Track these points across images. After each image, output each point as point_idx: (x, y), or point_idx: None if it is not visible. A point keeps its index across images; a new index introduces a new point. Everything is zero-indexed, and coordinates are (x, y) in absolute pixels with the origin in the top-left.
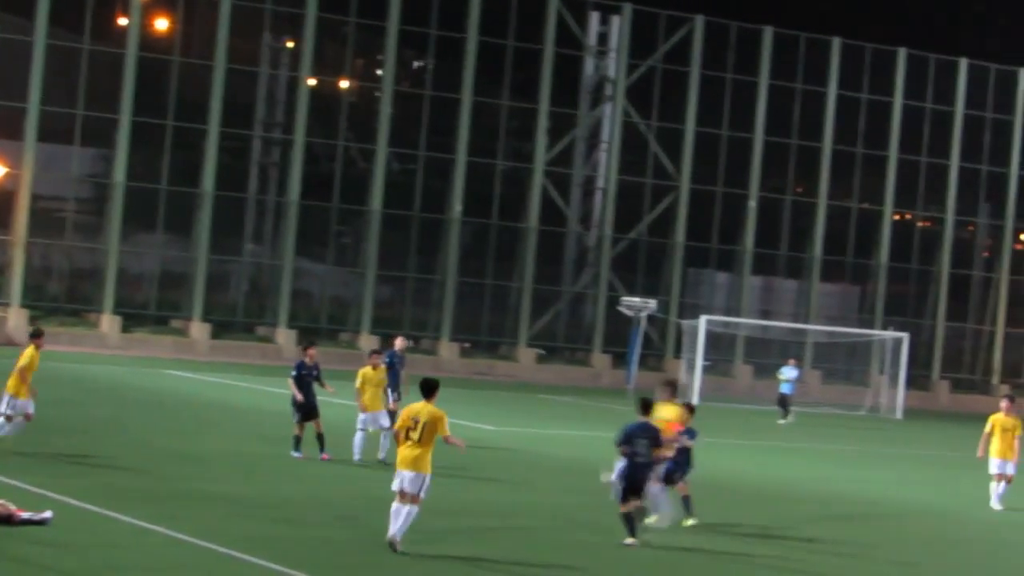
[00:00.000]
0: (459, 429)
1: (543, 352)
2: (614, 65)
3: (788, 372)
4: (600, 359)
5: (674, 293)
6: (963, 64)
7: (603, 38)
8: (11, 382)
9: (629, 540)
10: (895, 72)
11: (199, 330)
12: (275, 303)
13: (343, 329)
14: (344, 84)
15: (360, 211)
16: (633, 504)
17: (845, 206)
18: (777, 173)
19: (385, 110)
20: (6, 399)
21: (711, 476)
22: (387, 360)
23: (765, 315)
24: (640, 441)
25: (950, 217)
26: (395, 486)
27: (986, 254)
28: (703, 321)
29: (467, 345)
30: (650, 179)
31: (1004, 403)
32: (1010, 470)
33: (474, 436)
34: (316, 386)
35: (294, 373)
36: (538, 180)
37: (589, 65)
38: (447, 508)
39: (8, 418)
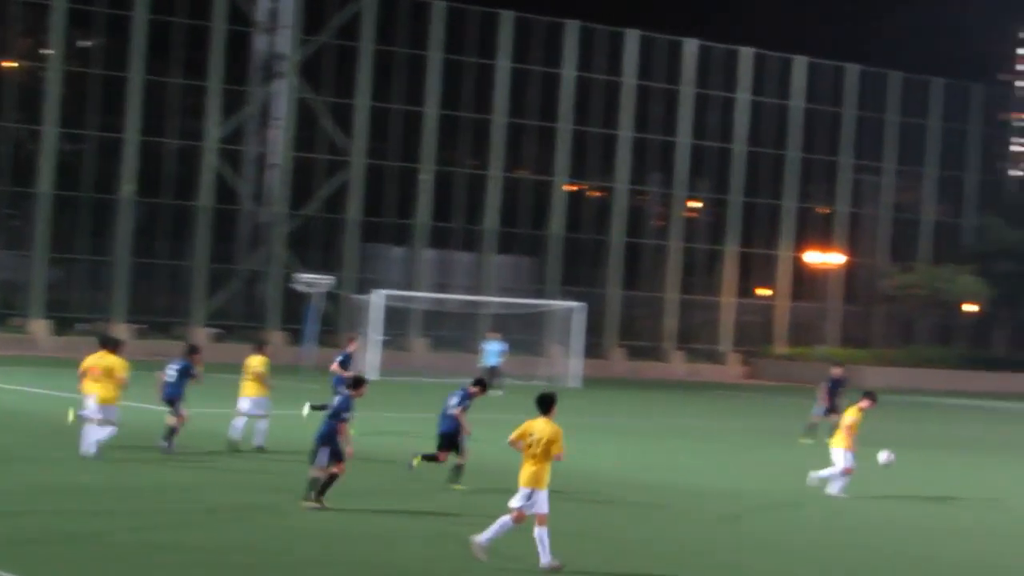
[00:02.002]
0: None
1: (220, 331)
2: (285, 41)
3: (492, 346)
4: (277, 336)
5: (350, 269)
6: (632, 35)
7: (274, 14)
8: None
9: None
10: (565, 44)
11: None
12: None
13: (14, 314)
14: (10, 64)
15: (29, 193)
16: (320, 470)
17: (518, 178)
18: (450, 146)
19: (53, 90)
20: None
21: (387, 451)
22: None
23: (441, 288)
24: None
25: (621, 187)
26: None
27: (657, 223)
28: (379, 296)
29: (144, 327)
30: (324, 155)
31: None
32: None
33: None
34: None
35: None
36: (210, 158)
37: (260, 42)
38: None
39: None
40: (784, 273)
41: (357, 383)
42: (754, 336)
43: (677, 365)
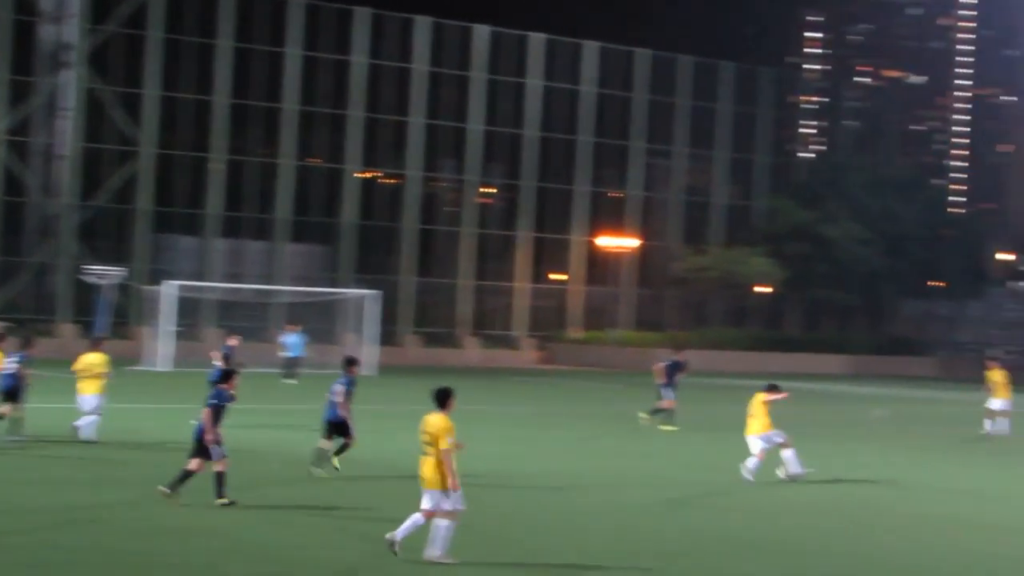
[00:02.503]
0: None
1: (10, 324)
2: (72, 31)
3: (291, 339)
4: (67, 329)
5: (141, 259)
6: (423, 21)
7: (60, 4)
8: None
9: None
10: (356, 31)
11: None
12: None
13: None
14: None
15: None
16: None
17: (310, 166)
18: (241, 135)
19: None
20: None
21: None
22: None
23: (234, 278)
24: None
25: (414, 173)
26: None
27: (451, 209)
28: (170, 286)
29: None
30: (113, 145)
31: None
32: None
33: None
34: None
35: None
36: None
37: (47, 31)
38: None
39: None
40: (577, 258)
41: (227, 376)
42: (548, 321)
43: (472, 351)
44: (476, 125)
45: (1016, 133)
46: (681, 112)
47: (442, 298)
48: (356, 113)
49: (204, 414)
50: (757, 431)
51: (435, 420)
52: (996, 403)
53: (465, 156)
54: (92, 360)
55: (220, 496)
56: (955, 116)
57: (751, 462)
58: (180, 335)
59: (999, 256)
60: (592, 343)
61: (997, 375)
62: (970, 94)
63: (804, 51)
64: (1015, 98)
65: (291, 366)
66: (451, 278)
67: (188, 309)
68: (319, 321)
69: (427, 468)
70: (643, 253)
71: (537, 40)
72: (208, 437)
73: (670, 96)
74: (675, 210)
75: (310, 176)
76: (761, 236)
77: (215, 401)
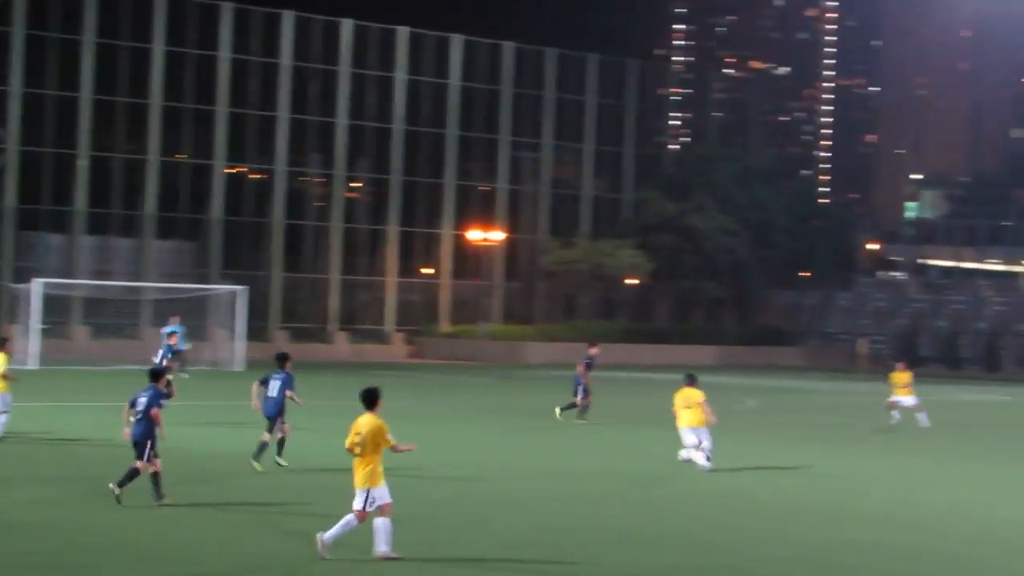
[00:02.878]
0: None
1: None
2: None
3: (175, 329)
4: None
5: (7, 257)
6: (288, 16)
7: None
8: None
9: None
10: (221, 26)
11: None
12: None
13: None
14: None
15: None
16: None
17: (177, 162)
18: (107, 131)
19: None
20: None
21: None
22: None
23: (101, 275)
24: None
25: (281, 168)
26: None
27: (318, 204)
28: (37, 284)
29: None
30: None
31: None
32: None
33: None
34: None
35: None
36: None
37: None
38: None
39: None
40: (446, 251)
41: (155, 375)
42: (418, 315)
43: (342, 346)
44: (342, 119)
45: (881, 123)
46: (548, 105)
47: (311, 293)
48: (222, 108)
49: (155, 414)
50: (692, 423)
51: (368, 421)
52: (907, 400)
53: (333, 151)
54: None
55: (159, 497)
56: (821, 107)
57: (696, 454)
58: (48, 333)
59: (867, 246)
60: (462, 337)
61: (903, 377)
62: (835, 84)
63: (670, 43)
64: (879, 88)
65: (181, 359)
66: (320, 273)
67: (55, 307)
68: (188, 318)
69: (359, 468)
70: (512, 246)
71: (403, 34)
72: (162, 435)
73: (537, 89)
74: (543, 203)
75: (177, 172)
76: (629, 228)
77: (158, 401)
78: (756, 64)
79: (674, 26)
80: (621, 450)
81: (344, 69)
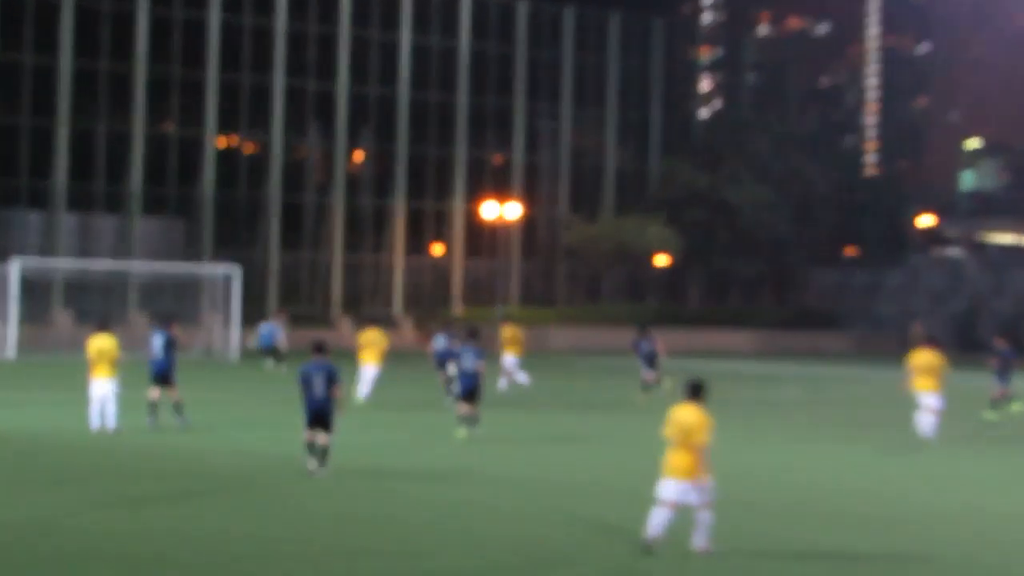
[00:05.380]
0: None
1: None
2: None
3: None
4: None
5: None
6: None
7: None
8: None
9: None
10: None
11: None
12: None
13: None
14: None
15: None
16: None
17: (164, 133)
18: (89, 102)
19: None
20: None
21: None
22: None
23: (84, 255)
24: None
25: (277, 139)
26: None
27: (319, 178)
28: (15, 265)
29: None
30: None
31: None
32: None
33: None
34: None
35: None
36: None
37: None
38: None
39: None
40: (458, 228)
41: (319, 347)
42: (428, 298)
43: (346, 332)
44: (344, 86)
45: (932, 85)
46: (567, 68)
47: (311, 275)
48: (213, 75)
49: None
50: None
51: (690, 413)
52: (929, 399)
53: (334, 120)
54: None
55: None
56: (866, 68)
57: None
58: (26, 319)
59: (919, 220)
60: (476, 321)
61: (927, 359)
62: (881, 43)
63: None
64: (930, 46)
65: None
66: (321, 253)
67: (36, 290)
68: (177, 302)
69: (681, 459)
70: (529, 223)
71: None
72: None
73: (554, 50)
74: (563, 175)
75: (165, 143)
76: (657, 202)
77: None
78: (794, 21)
79: None
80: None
81: (344, 30)
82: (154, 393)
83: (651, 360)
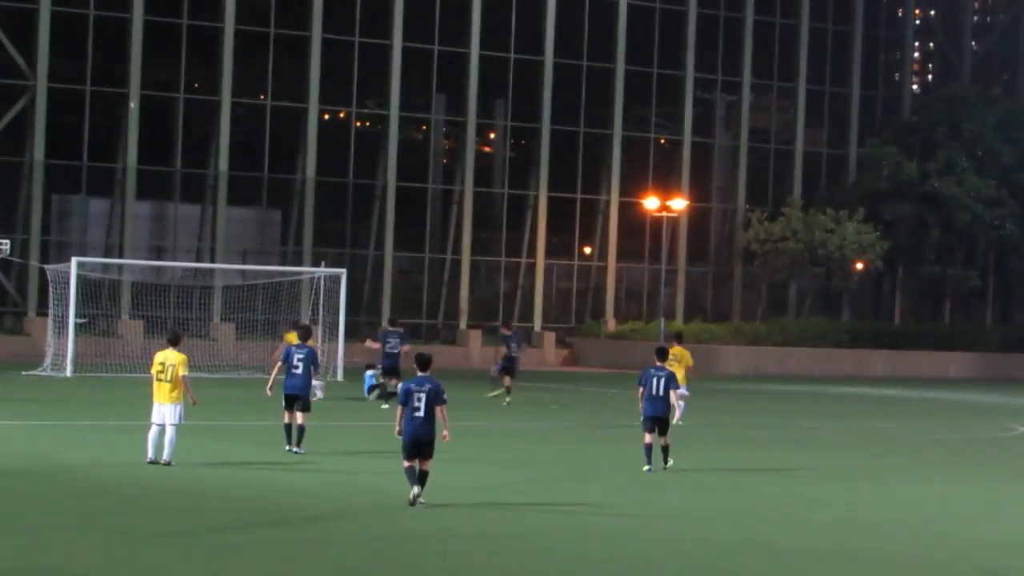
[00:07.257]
0: None
1: None
2: None
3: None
4: None
5: (33, 228)
6: None
7: None
8: None
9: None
10: None
11: None
12: None
13: None
14: None
15: None
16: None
17: (257, 104)
18: (165, 63)
19: None
20: None
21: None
22: None
23: (158, 252)
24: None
25: (394, 114)
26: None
27: (444, 160)
28: (74, 264)
29: None
30: None
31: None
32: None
33: None
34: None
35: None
36: None
37: None
38: None
39: None
40: (611, 225)
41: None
42: (574, 309)
43: (475, 350)
44: (475, 49)
45: None
46: (747, 31)
47: (433, 279)
48: (317, 35)
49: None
50: None
51: None
52: None
53: (464, 91)
54: None
55: None
56: None
57: None
58: (84, 329)
59: None
60: (629, 338)
61: None
62: None
63: None
64: None
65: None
66: (444, 253)
67: (94, 294)
68: (270, 310)
69: None
70: (698, 219)
71: None
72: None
73: (734, 11)
74: (741, 161)
75: (257, 118)
76: (856, 195)
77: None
78: None
79: None
80: None
81: None
82: (290, 416)
83: None
